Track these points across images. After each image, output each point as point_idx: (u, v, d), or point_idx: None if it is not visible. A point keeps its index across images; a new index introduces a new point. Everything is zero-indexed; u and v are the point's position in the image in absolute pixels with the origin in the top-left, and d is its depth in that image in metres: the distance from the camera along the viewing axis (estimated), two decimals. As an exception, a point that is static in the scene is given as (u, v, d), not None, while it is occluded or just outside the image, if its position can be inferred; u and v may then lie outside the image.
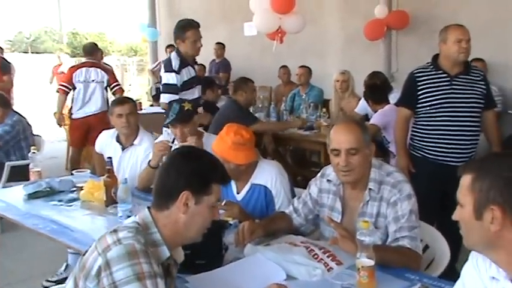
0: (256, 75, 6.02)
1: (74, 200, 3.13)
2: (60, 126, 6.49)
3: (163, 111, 3.63)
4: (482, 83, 3.44)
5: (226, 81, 8.27)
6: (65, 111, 6.38)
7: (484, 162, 1.47)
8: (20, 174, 4.14)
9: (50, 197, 3.19)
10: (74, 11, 39.55)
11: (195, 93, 4.43)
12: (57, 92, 6.19)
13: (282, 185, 2.74)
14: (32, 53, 33.58)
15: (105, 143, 3.75)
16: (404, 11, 6.76)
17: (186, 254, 1.83)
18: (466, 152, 3.38)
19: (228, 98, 6.01)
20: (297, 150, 6.23)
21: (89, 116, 6.01)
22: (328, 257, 2.09)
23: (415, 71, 3.51)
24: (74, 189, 3.28)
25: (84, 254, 1.64)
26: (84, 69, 6.06)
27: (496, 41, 5.84)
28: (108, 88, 6.15)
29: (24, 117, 5.02)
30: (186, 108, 3.19)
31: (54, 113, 6.24)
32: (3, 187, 4.28)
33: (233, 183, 2.79)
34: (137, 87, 14.89)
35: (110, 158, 3.11)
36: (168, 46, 9.07)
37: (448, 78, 3.38)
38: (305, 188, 2.63)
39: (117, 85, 6.23)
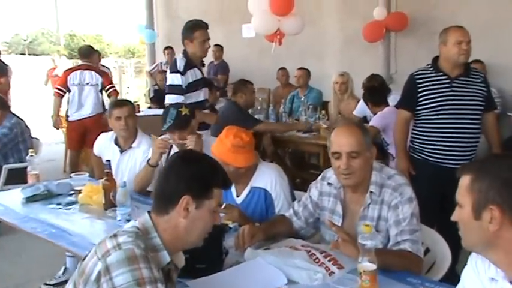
0: (254, 77, 6.01)
1: (73, 203, 3.11)
2: (57, 128, 6.49)
3: (161, 113, 3.60)
4: (483, 84, 3.43)
5: (224, 83, 8.27)
6: (62, 113, 6.39)
7: (483, 163, 1.48)
8: (17, 177, 4.12)
9: (48, 200, 3.17)
10: (71, 12, 39.47)
11: (200, 95, 4.38)
12: (53, 95, 6.22)
13: (281, 188, 2.72)
14: (29, 54, 33.53)
15: (104, 145, 3.73)
16: (403, 12, 6.76)
17: (186, 258, 1.81)
18: (466, 154, 3.38)
19: (227, 100, 6.00)
20: (296, 152, 6.22)
21: (85, 118, 6.04)
22: (329, 261, 2.07)
23: (416, 73, 3.50)
24: (72, 192, 3.25)
25: (83, 259, 1.63)
26: (78, 72, 6.09)
27: (495, 42, 5.84)
28: (103, 91, 6.16)
29: (23, 120, 5.00)
30: (183, 113, 3.14)
31: (51, 116, 6.24)
32: (1, 190, 4.25)
33: (233, 187, 2.77)
34: (135, 89, 14.86)
35: (108, 161, 3.09)
36: (166, 48, 9.07)
37: (449, 80, 3.37)
38: (304, 190, 2.62)
39: (111, 87, 6.24)
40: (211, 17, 9.34)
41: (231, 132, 2.68)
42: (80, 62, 6.44)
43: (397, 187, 2.24)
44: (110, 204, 2.90)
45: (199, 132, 3.38)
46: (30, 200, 3.15)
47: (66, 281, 3.42)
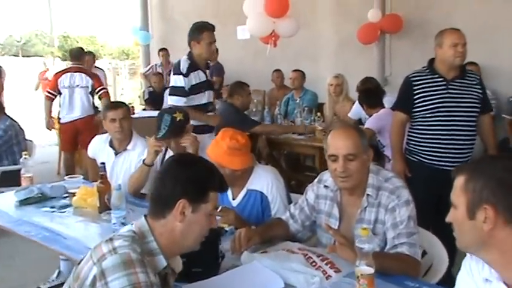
0: (249, 79, 5.98)
1: (67, 206, 3.08)
2: (50, 129, 6.49)
3: (155, 115, 3.57)
4: (479, 87, 3.44)
5: (219, 85, 8.24)
6: (55, 114, 6.42)
7: (478, 164, 1.49)
8: (11, 180, 4.09)
9: (42, 203, 3.14)
10: (65, 14, 39.37)
11: (203, 98, 4.36)
12: (44, 98, 6.28)
13: (278, 190, 2.71)
14: (23, 56, 33.42)
15: (98, 148, 3.70)
16: (398, 15, 6.77)
17: (182, 262, 1.80)
18: (462, 156, 3.38)
19: (223, 102, 5.98)
20: (291, 154, 6.21)
21: (76, 120, 6.10)
22: (326, 264, 2.06)
23: (411, 75, 3.50)
24: (66, 195, 3.23)
25: (78, 263, 1.61)
26: (69, 74, 6.13)
27: (489, 45, 5.85)
28: (94, 93, 6.19)
29: (16, 122, 4.97)
30: (177, 118, 3.11)
31: (45, 117, 6.26)
32: (-6, 193, 4.22)
33: (228, 189, 2.75)
34: (129, 91, 14.82)
35: (103, 163, 3.06)
36: (161, 49, 9.04)
37: (444, 82, 3.38)
38: (299, 192, 2.61)
39: (102, 89, 6.26)
40: (206, 19, 9.27)
41: (227, 135, 2.66)
42: (70, 64, 6.46)
43: (394, 190, 2.24)
44: (104, 207, 2.87)
45: (202, 134, 3.35)
46: (24, 203, 3.13)
47: (60, 285, 3.42)
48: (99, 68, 8.34)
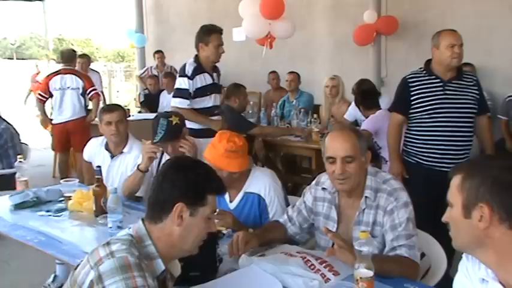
0: (245, 81, 5.97)
1: (62, 210, 3.05)
2: (45, 128, 6.54)
3: (151, 117, 3.55)
4: (475, 88, 3.44)
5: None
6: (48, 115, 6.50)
7: (474, 163, 1.51)
8: (6, 184, 4.04)
9: (38, 207, 3.11)
10: (60, 16, 39.29)
11: (209, 101, 4.34)
12: (36, 100, 6.42)
13: (275, 193, 2.70)
14: (18, 59, 33.29)
15: (94, 151, 3.68)
16: (394, 16, 6.77)
17: (181, 266, 1.78)
18: (459, 157, 3.37)
19: (220, 104, 5.96)
20: (287, 156, 6.20)
21: (67, 122, 6.15)
22: (325, 267, 2.05)
23: (408, 76, 3.50)
24: (62, 199, 3.20)
25: (75, 268, 1.59)
26: (59, 76, 6.17)
27: (484, 46, 5.87)
28: (85, 94, 6.22)
29: (11, 125, 4.94)
30: (174, 122, 3.09)
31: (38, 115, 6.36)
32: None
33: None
34: (124, 93, 14.79)
35: (99, 166, 3.04)
36: (156, 52, 9.02)
37: (441, 84, 3.38)
38: (296, 194, 2.59)
39: (92, 90, 6.28)
40: (202, 21, 9.25)
41: (224, 137, 2.65)
42: (61, 66, 6.48)
43: (392, 192, 2.23)
44: (100, 211, 2.84)
45: (205, 138, 3.33)
46: (19, 207, 3.09)
47: (56, 289, 3.39)
48: (94, 70, 8.31)
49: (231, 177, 2.63)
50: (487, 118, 3.59)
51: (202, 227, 1.67)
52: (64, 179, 3.75)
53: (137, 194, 3.31)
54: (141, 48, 10.24)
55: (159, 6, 10.42)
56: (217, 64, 7.96)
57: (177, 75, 4.44)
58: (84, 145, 3.81)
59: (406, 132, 3.59)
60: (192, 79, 4.21)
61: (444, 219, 1.49)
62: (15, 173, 3.52)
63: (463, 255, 1.57)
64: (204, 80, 4.29)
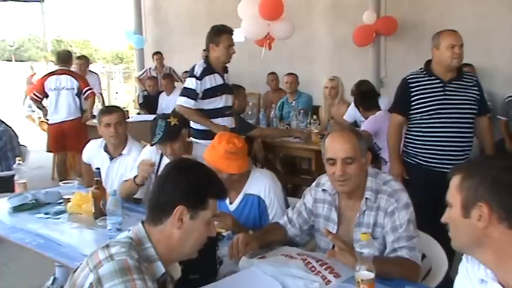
0: (244, 82, 5.97)
1: (61, 212, 3.03)
2: (42, 129, 6.58)
3: (150, 119, 3.53)
4: (476, 88, 3.44)
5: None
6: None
7: (473, 163, 1.52)
8: (5, 186, 4.03)
9: (36, 209, 3.10)
10: (58, 18, 39.30)
11: (220, 102, 4.33)
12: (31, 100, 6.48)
13: (275, 195, 2.69)
14: (16, 61, 33.26)
15: (93, 153, 3.67)
16: (393, 17, 6.76)
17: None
18: (459, 158, 3.36)
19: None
20: (287, 157, 6.18)
21: (62, 122, 6.18)
22: (325, 269, 2.04)
23: (408, 77, 3.49)
24: (61, 201, 3.18)
25: (75, 271, 1.58)
26: (54, 77, 6.21)
27: (483, 46, 5.86)
28: (81, 95, 6.24)
29: (10, 127, 4.93)
30: (172, 123, 3.07)
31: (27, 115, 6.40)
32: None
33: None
34: (123, 95, 14.77)
35: (98, 168, 3.03)
36: (155, 53, 9.00)
37: (441, 84, 3.37)
38: (295, 196, 2.58)
39: (88, 89, 6.30)
40: (200, 22, 9.31)
41: (224, 138, 2.63)
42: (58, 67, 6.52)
43: (393, 193, 2.22)
44: (100, 213, 2.83)
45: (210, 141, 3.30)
46: (18, 209, 3.08)
47: (55, 292, 3.38)
48: (93, 72, 8.31)
49: (231, 178, 2.62)
50: (487, 119, 3.58)
51: (203, 230, 1.66)
52: (63, 181, 3.74)
53: (136, 196, 3.30)
54: (139, 49, 10.23)
55: (158, 7, 10.41)
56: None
57: (187, 74, 4.45)
58: (81, 145, 3.80)
59: (406, 133, 3.58)
60: (200, 80, 4.20)
61: (443, 219, 1.49)
62: (14, 175, 3.50)
63: (463, 257, 1.57)
64: (214, 80, 4.27)
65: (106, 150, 3.58)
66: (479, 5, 6.11)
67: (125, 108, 6.34)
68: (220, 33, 4.29)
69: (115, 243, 1.56)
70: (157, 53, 9.00)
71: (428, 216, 3.19)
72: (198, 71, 4.23)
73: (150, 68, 9.08)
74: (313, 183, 2.50)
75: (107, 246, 1.55)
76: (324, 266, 2.06)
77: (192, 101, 4.18)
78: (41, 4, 12.26)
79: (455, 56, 3.28)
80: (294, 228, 2.48)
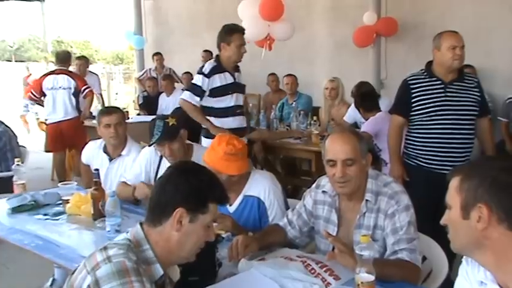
0: (244, 83, 5.96)
1: (60, 213, 3.02)
2: (41, 129, 6.59)
3: (148, 119, 3.51)
4: (477, 90, 3.42)
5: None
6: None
7: (472, 165, 1.52)
8: (4, 187, 4.02)
9: (35, 210, 3.08)
10: (59, 19, 39.30)
11: (230, 100, 4.31)
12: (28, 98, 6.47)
13: (275, 196, 2.68)
14: (16, 61, 33.28)
15: (92, 153, 3.66)
16: (393, 18, 6.76)
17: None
18: (460, 160, 3.35)
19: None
20: (287, 158, 6.18)
21: (60, 122, 6.20)
22: (325, 271, 2.03)
23: (409, 78, 3.48)
24: (60, 202, 3.17)
25: (72, 273, 1.57)
26: (52, 76, 6.25)
27: (484, 47, 5.86)
28: (80, 94, 6.26)
29: (9, 127, 4.92)
30: (170, 123, 3.05)
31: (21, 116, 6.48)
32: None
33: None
34: (123, 95, 14.75)
35: (97, 169, 3.01)
36: (155, 54, 9.00)
37: (442, 85, 3.36)
38: (295, 197, 2.57)
39: (86, 88, 6.32)
40: (201, 23, 9.35)
41: (224, 140, 2.62)
42: (71, 67, 6.61)
43: (393, 195, 2.21)
44: (99, 214, 2.82)
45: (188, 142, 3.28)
46: (17, 210, 3.07)
47: (54, 293, 3.37)
48: (93, 72, 8.31)
49: (230, 180, 2.60)
50: (488, 120, 3.57)
51: (201, 234, 1.65)
52: (62, 182, 3.73)
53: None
54: (139, 50, 10.23)
55: (158, 8, 10.41)
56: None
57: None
58: (79, 144, 3.80)
59: (406, 135, 3.56)
60: (208, 77, 4.19)
61: (443, 221, 1.48)
62: (12, 176, 3.49)
63: (463, 259, 1.57)
64: (224, 79, 4.27)
65: (105, 151, 3.57)
66: (479, 6, 6.11)
67: (124, 108, 6.36)
68: (232, 33, 4.28)
69: (113, 245, 1.55)
70: (157, 53, 8.99)
71: (429, 218, 3.18)
72: (207, 68, 4.23)
73: (150, 69, 9.07)
74: (313, 185, 2.49)
75: (105, 248, 1.54)
76: (324, 268, 2.04)
77: (197, 98, 4.19)
78: (41, 4, 12.26)
79: (456, 57, 3.27)
80: (293, 230, 2.47)
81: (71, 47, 30.90)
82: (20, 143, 5.03)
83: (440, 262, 2.37)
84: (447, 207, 1.47)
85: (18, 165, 3.47)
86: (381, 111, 4.63)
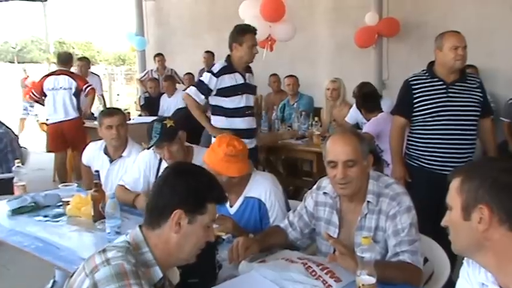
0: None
1: (60, 215, 3.02)
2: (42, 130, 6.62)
3: (150, 120, 3.49)
4: (479, 90, 3.41)
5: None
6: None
7: (472, 166, 1.51)
8: (4, 188, 4.02)
9: (35, 212, 3.08)
10: (61, 20, 39.39)
11: (240, 101, 4.29)
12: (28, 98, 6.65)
13: (276, 197, 2.66)
14: (19, 62, 33.35)
15: (93, 155, 3.65)
16: (395, 18, 6.75)
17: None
18: (462, 161, 3.33)
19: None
20: (289, 159, 6.17)
21: (61, 122, 6.22)
22: (326, 273, 2.01)
23: (411, 79, 3.47)
24: (60, 204, 3.17)
25: (71, 276, 1.56)
26: (53, 77, 6.29)
27: (486, 47, 5.84)
28: (81, 92, 6.29)
29: (10, 129, 4.92)
30: (168, 125, 3.04)
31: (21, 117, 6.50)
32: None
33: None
34: (125, 96, 14.76)
35: (97, 171, 3.01)
36: (157, 55, 9.00)
37: (444, 86, 3.34)
38: (297, 198, 2.55)
39: (87, 86, 6.35)
40: (202, 24, 9.35)
41: (224, 141, 2.61)
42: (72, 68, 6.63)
43: (394, 196, 2.19)
44: (99, 216, 2.81)
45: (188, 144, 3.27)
46: (17, 212, 3.06)
47: (54, 295, 3.35)
48: (94, 73, 8.31)
49: (231, 181, 2.59)
50: (490, 121, 3.55)
51: (201, 235, 1.64)
52: (63, 184, 3.72)
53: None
54: (141, 51, 10.23)
55: (160, 9, 10.41)
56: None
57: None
58: (80, 143, 3.79)
59: (408, 135, 3.55)
60: (217, 77, 4.18)
61: (443, 223, 1.47)
62: (13, 178, 3.48)
63: (464, 261, 1.56)
64: (234, 79, 4.25)
65: (106, 152, 3.56)
66: (481, 6, 6.09)
67: (126, 110, 6.37)
68: (244, 33, 4.28)
69: (112, 248, 1.54)
70: (159, 54, 9.00)
71: (431, 219, 3.15)
72: (216, 67, 4.24)
73: (151, 70, 9.08)
74: (314, 186, 2.47)
75: (104, 250, 1.53)
76: (325, 271, 2.03)
77: (201, 96, 4.19)
78: (43, 5, 12.27)
79: (458, 58, 3.25)
80: (294, 231, 2.45)
81: (73, 48, 31.00)
82: (21, 144, 5.03)
83: (442, 264, 2.35)
84: (448, 208, 1.46)
85: (18, 166, 3.46)
86: (382, 112, 4.63)
